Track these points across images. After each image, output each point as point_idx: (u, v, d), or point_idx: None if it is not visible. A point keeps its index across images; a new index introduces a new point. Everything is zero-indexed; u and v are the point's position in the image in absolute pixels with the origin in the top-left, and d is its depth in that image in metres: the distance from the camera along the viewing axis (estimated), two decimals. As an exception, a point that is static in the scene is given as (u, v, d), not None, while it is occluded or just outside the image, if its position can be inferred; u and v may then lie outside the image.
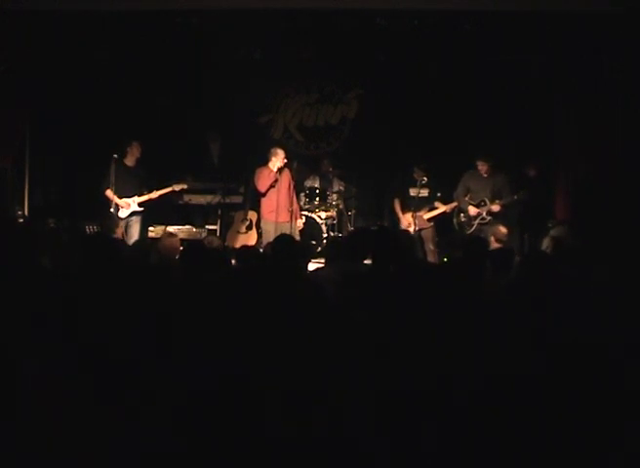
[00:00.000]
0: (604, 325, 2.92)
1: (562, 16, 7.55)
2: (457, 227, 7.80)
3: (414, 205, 7.86)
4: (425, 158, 8.13)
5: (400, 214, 8.04)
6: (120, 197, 7.66)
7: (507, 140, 8.35)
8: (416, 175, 7.89)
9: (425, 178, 7.84)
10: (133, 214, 7.74)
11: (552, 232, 7.68)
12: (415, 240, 7.73)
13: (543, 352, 2.58)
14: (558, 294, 3.30)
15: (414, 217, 7.85)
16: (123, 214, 7.68)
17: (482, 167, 7.59)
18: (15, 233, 4.81)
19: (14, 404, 2.22)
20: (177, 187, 8.00)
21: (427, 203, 7.97)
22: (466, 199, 7.67)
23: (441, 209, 7.95)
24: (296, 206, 7.85)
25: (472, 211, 7.58)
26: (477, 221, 7.56)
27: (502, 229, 7.40)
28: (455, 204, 7.86)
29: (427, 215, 7.96)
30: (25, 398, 2.24)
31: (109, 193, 7.65)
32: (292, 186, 7.77)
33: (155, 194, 7.80)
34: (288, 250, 4.46)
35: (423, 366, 2.53)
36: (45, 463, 2.15)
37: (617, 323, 2.97)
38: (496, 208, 7.45)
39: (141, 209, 7.76)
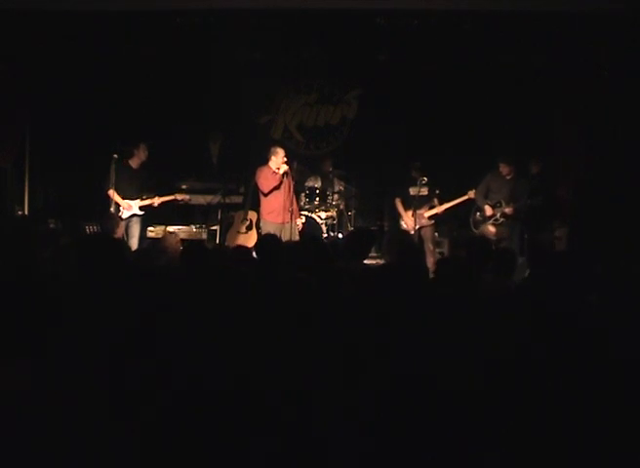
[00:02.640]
0: (605, 325, 2.92)
1: (562, 16, 7.55)
2: (472, 225, 7.82)
3: (414, 203, 7.87)
4: (423, 157, 8.12)
5: (403, 213, 8.03)
6: (122, 198, 7.66)
7: (507, 140, 8.35)
8: (413, 174, 7.90)
9: (425, 179, 7.84)
10: (133, 215, 7.74)
11: (554, 233, 7.69)
12: (414, 239, 7.73)
13: (544, 354, 2.59)
14: (561, 296, 3.31)
15: (414, 216, 7.86)
16: (124, 215, 7.68)
17: (503, 168, 7.60)
18: (15, 233, 4.82)
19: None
20: (179, 197, 8.00)
21: (428, 201, 7.98)
22: (487, 201, 7.70)
23: (436, 209, 7.95)
24: (295, 206, 7.84)
25: (488, 210, 7.62)
26: (490, 222, 7.58)
27: (491, 229, 7.46)
28: (446, 206, 7.89)
29: (428, 213, 7.96)
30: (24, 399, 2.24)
31: (112, 193, 7.65)
32: (292, 187, 7.76)
33: (157, 201, 7.78)
34: (271, 250, 4.48)
35: (420, 365, 2.53)
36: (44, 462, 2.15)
37: (617, 322, 2.97)
38: (509, 210, 7.47)
39: (142, 212, 7.76)
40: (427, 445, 2.30)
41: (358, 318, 2.95)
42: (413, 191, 7.90)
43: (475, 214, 7.81)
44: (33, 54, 7.99)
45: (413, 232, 7.88)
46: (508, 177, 7.63)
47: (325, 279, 3.61)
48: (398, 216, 8.19)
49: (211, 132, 9.25)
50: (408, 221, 7.96)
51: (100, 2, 7.66)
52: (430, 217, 7.98)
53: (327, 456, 2.29)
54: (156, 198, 7.79)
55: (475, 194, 7.78)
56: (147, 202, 7.75)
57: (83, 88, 8.49)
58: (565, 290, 3.57)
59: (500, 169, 7.63)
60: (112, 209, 7.63)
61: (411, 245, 5.15)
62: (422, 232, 7.96)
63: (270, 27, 8.03)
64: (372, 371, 2.51)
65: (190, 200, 8.23)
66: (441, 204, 7.95)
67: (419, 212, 7.91)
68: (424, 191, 7.89)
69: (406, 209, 8.01)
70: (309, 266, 4.11)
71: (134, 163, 7.78)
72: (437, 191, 7.99)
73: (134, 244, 7.53)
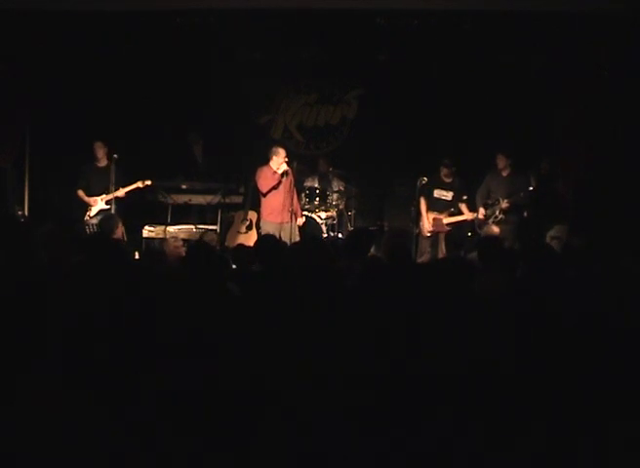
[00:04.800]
0: (603, 324, 2.92)
1: (562, 16, 7.55)
2: (476, 226, 7.80)
3: (436, 207, 7.82)
4: (423, 157, 8.09)
5: (424, 215, 7.88)
6: (90, 196, 7.82)
7: (507, 140, 8.34)
8: (442, 174, 7.83)
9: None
10: (100, 212, 7.78)
11: (552, 232, 7.69)
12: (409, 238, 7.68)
13: (540, 351, 2.58)
14: (559, 294, 3.30)
15: (435, 220, 7.80)
16: (92, 212, 7.79)
17: (500, 161, 7.55)
18: (15, 233, 4.81)
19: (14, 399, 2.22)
20: (141, 184, 7.97)
21: (449, 206, 7.88)
22: (487, 200, 7.67)
23: (465, 215, 7.82)
24: (296, 205, 7.83)
25: (481, 213, 7.60)
26: (491, 221, 7.56)
27: (494, 228, 7.43)
28: (461, 218, 7.82)
29: (447, 220, 7.86)
30: (25, 396, 2.24)
31: (80, 193, 7.86)
32: (292, 187, 7.75)
33: (121, 192, 7.81)
34: (270, 250, 4.49)
35: (417, 365, 2.53)
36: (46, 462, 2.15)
37: (616, 322, 2.97)
38: (504, 205, 7.44)
39: (108, 206, 7.77)
40: (425, 444, 2.30)
41: (359, 317, 2.95)
42: (437, 194, 7.85)
43: (478, 216, 7.80)
44: (33, 54, 7.99)
45: (429, 235, 7.83)
46: (505, 174, 7.60)
47: (327, 278, 3.62)
48: (418, 217, 8.03)
49: (192, 133, 9.25)
50: (425, 223, 7.87)
51: (100, 2, 7.67)
52: (449, 225, 7.86)
53: (328, 455, 2.29)
54: (120, 189, 7.79)
55: (477, 197, 7.76)
56: (112, 195, 7.75)
57: (83, 88, 8.49)
58: (564, 289, 3.57)
59: (497, 160, 7.59)
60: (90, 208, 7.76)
61: (401, 246, 5.11)
62: (440, 237, 7.90)
63: (270, 27, 8.03)
64: (372, 371, 2.51)
65: (152, 184, 8.16)
66: (468, 211, 7.79)
67: (438, 216, 7.83)
68: (448, 196, 7.83)
69: (428, 210, 7.91)
70: (312, 266, 4.12)
71: (99, 162, 7.88)
72: (465, 197, 7.82)
73: None
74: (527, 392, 2.42)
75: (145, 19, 8.00)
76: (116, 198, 7.76)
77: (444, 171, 7.82)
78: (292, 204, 7.64)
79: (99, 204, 7.82)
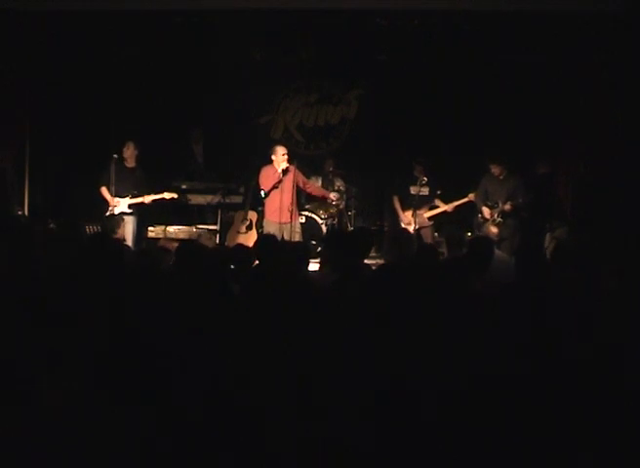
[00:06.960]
0: (602, 327, 2.92)
1: (562, 16, 7.56)
2: (475, 228, 7.83)
3: (414, 203, 7.87)
4: (425, 156, 8.12)
5: (400, 212, 8.04)
6: (113, 196, 7.61)
7: (507, 140, 8.34)
8: (415, 172, 7.89)
9: (426, 178, 7.84)
10: (122, 214, 7.68)
11: (554, 233, 7.69)
12: (413, 239, 7.72)
13: (535, 353, 2.58)
14: (554, 296, 3.30)
15: (414, 216, 7.87)
16: (114, 212, 7.64)
17: (495, 170, 7.60)
18: (15, 233, 4.82)
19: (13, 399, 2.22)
20: (167, 195, 7.86)
21: (428, 201, 7.98)
22: (486, 202, 7.71)
23: (442, 208, 7.94)
24: (317, 189, 8.02)
25: (486, 213, 7.62)
26: (490, 222, 7.58)
27: (493, 229, 7.46)
28: (456, 203, 7.87)
29: (428, 214, 7.95)
30: (27, 395, 2.25)
31: (104, 191, 7.63)
32: (295, 187, 7.73)
33: (147, 199, 7.71)
34: (270, 250, 4.50)
35: (414, 365, 2.53)
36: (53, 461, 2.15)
37: (615, 325, 2.97)
38: (507, 208, 7.47)
39: (130, 210, 7.66)
40: (426, 443, 2.30)
41: (360, 318, 2.95)
42: (413, 190, 7.90)
43: (477, 217, 7.82)
44: (33, 54, 7.99)
45: (412, 231, 7.88)
46: (501, 178, 7.63)
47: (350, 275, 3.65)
48: (395, 215, 8.17)
49: (193, 132, 9.23)
50: (405, 220, 7.97)
51: (99, 2, 7.67)
52: (430, 218, 7.97)
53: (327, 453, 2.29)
54: (146, 196, 7.74)
55: (475, 197, 7.79)
56: (137, 200, 7.69)
57: (83, 88, 8.49)
58: (564, 290, 3.57)
59: (492, 170, 7.63)
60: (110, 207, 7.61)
61: (410, 243, 5.11)
62: (422, 232, 7.96)
63: (270, 27, 8.04)
64: (371, 371, 2.51)
65: (178, 197, 8.13)
66: (444, 204, 7.93)
67: (418, 212, 7.91)
68: (425, 191, 7.89)
69: (404, 208, 8.01)
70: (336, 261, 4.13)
71: (127, 162, 7.70)
72: (438, 192, 7.96)
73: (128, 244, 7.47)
74: (527, 394, 2.42)
75: (145, 19, 8.00)
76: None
77: (418, 168, 7.89)
78: (292, 203, 7.64)
79: (121, 206, 7.59)
